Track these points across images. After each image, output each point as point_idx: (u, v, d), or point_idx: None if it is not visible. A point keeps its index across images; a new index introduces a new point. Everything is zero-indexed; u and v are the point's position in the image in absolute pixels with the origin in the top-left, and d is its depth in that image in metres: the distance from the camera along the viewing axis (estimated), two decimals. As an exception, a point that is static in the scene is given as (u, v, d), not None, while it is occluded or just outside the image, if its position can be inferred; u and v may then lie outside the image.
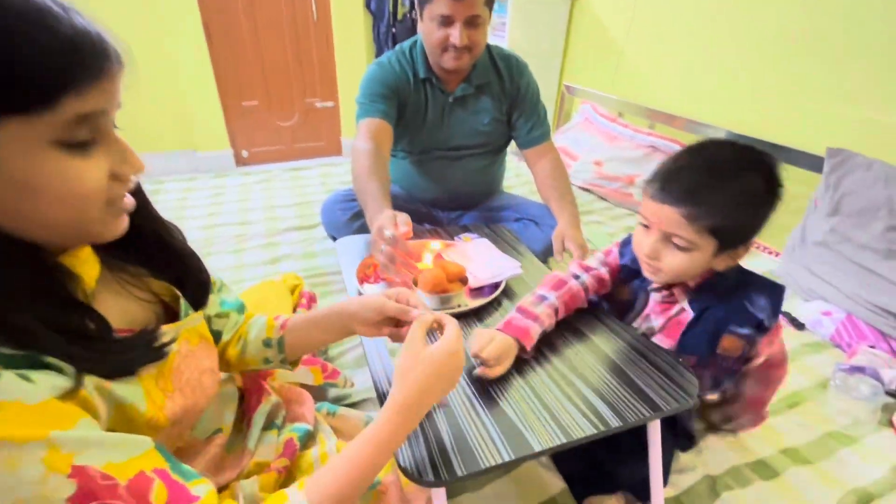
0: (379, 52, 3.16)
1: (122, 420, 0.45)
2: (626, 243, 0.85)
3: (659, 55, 2.17)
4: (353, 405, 1.00)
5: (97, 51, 0.38)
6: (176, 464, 0.43)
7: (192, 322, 0.59)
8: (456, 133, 1.41)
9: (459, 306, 0.87)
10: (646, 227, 0.71)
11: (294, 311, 1.08)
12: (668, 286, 0.77)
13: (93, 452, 0.37)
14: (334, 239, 1.45)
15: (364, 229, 1.31)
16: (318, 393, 0.96)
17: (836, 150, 1.43)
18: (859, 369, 1.09)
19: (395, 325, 0.66)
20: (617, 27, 2.35)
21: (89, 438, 0.37)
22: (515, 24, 2.50)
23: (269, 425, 0.74)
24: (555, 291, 0.80)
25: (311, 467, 0.69)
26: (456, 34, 1.18)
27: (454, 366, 0.56)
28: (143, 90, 2.86)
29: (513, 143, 1.50)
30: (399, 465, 0.57)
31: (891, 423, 1.03)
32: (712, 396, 0.86)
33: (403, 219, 0.92)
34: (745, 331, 0.70)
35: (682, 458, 0.93)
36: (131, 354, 0.47)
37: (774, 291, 0.71)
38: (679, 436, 0.88)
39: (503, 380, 0.69)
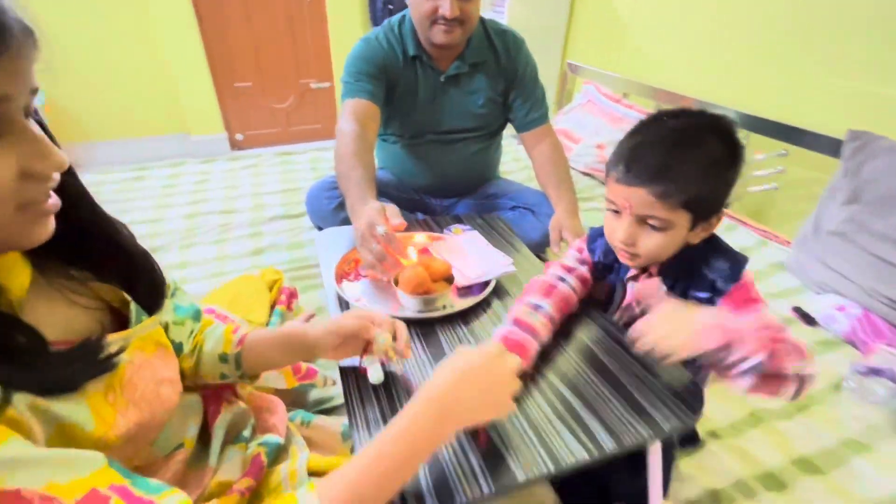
0: (376, 30, 3.04)
1: (64, 440, 0.41)
2: (592, 239, 0.81)
3: (667, 32, 2.06)
4: (336, 409, 0.94)
5: None
6: (137, 479, 0.39)
7: (145, 329, 0.54)
8: (449, 115, 1.32)
9: (445, 307, 0.80)
10: (615, 212, 0.67)
11: (272, 308, 1.02)
12: (643, 268, 0.74)
13: (29, 473, 0.34)
14: (320, 229, 1.38)
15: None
16: (297, 397, 0.90)
17: (857, 133, 1.33)
18: (876, 371, 1.02)
19: (360, 344, 0.65)
20: (623, 1, 2.22)
21: (21, 458, 0.34)
22: (516, -3, 2.38)
23: (235, 438, 0.68)
24: (547, 298, 0.73)
25: (280, 486, 0.64)
26: (446, 5, 1.09)
27: (501, 372, 0.52)
28: (131, 72, 2.80)
29: (510, 126, 1.42)
30: None
31: (908, 429, 0.96)
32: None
33: (393, 210, 0.86)
34: (702, 294, 0.67)
35: (684, 467, 0.87)
36: (72, 368, 0.43)
37: (736, 257, 0.68)
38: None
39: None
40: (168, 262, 1.42)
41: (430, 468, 0.53)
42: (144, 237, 1.53)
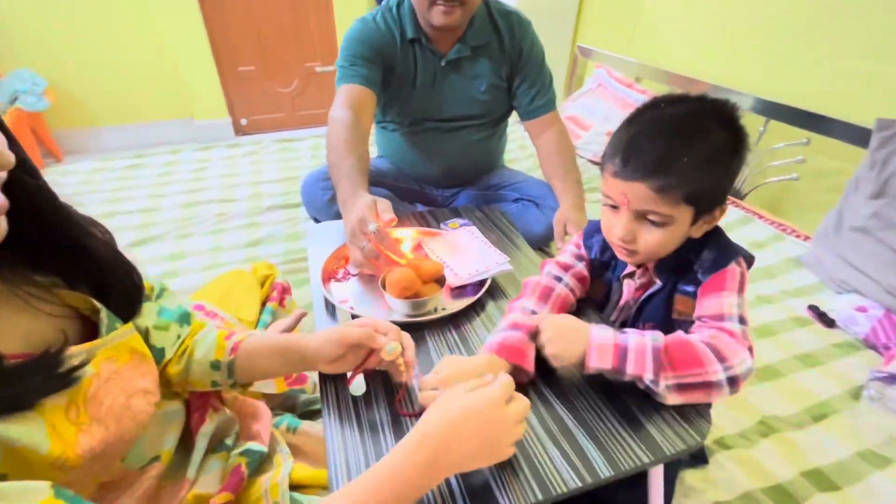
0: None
1: (16, 464, 0.38)
2: (589, 234, 0.77)
3: (682, 12, 1.95)
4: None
5: None
6: None
7: (117, 337, 0.50)
8: (449, 101, 1.26)
9: (436, 310, 0.75)
10: (613, 207, 0.63)
11: (263, 305, 0.98)
12: (639, 265, 0.70)
13: None
14: (317, 221, 1.34)
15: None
16: (286, 401, 0.87)
17: (887, 122, 1.24)
18: (898, 377, 0.96)
19: (362, 355, 0.61)
20: (638, -20, 2.12)
21: None
22: (525, -23, 2.27)
23: (217, 447, 0.65)
24: (543, 302, 0.68)
25: (260, 501, 0.61)
26: None
27: (503, 420, 0.47)
28: (134, 56, 2.76)
29: (515, 113, 1.35)
30: None
31: (931, 441, 0.90)
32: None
33: (385, 205, 0.81)
34: (689, 288, 0.64)
35: (688, 479, 0.82)
36: (27, 384, 0.39)
37: (725, 248, 0.63)
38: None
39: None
40: (163, 253, 1.40)
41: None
42: (139, 227, 1.51)
